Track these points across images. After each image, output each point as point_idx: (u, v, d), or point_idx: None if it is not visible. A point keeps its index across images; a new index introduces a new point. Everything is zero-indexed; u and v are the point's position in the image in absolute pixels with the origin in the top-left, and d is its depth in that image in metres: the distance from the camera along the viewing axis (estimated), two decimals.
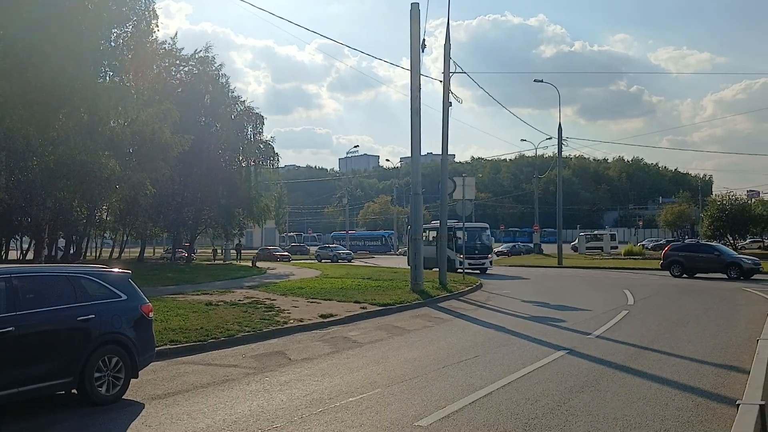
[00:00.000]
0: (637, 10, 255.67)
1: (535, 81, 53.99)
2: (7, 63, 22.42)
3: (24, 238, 43.81)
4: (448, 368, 10.49)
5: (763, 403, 4.68)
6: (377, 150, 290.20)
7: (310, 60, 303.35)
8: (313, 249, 72.36)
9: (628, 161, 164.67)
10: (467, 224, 33.53)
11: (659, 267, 35.09)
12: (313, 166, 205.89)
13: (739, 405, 4.66)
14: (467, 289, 24.92)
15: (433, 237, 36.06)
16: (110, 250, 61.41)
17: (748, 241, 67.01)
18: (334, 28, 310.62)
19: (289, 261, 55.50)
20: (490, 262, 38.51)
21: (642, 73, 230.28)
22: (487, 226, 40.83)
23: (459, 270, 32.28)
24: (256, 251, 62.44)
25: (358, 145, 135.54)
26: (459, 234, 34.05)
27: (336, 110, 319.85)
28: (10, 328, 7.54)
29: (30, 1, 23.82)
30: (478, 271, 36.09)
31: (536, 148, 69.85)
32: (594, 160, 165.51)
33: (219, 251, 60.50)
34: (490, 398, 8.48)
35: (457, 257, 33.91)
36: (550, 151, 75.08)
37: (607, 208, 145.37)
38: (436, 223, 36.19)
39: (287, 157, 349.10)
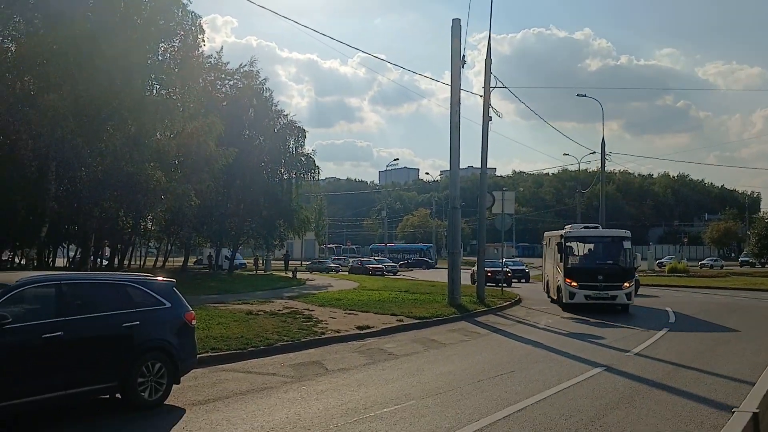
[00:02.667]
0: (685, 24, 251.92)
1: (578, 95, 53.59)
2: (58, 75, 23.22)
3: (71, 246, 44.90)
4: (483, 383, 10.53)
5: (757, 411, 4.77)
6: (417, 163, 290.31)
7: (352, 73, 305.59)
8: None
9: (673, 177, 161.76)
10: (593, 231, 24.80)
11: None
12: (354, 179, 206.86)
13: (734, 412, 4.81)
14: (506, 304, 24.81)
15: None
16: (154, 259, 62.63)
17: None
18: (377, 41, 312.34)
19: (383, 275, 52.49)
20: (628, 295, 22.72)
21: (689, 89, 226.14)
22: (628, 235, 23.91)
23: (570, 302, 22.98)
24: (350, 264, 62.97)
25: (398, 158, 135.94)
26: (579, 247, 24.30)
27: (377, 123, 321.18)
28: (59, 333, 7.85)
29: (80, 15, 24.66)
30: (616, 304, 22.91)
31: (579, 163, 68.61)
32: (639, 175, 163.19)
33: (261, 261, 60.86)
34: (524, 413, 8.51)
35: (567, 285, 23.08)
36: (594, 165, 74.39)
37: (651, 224, 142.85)
38: (565, 230, 25.30)
39: (328, 170, 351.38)
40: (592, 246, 24.54)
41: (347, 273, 56.33)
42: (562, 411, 8.60)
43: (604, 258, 23.92)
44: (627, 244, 23.39)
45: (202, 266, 58.76)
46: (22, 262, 34.97)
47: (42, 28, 23.49)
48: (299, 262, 64.63)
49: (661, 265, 65.77)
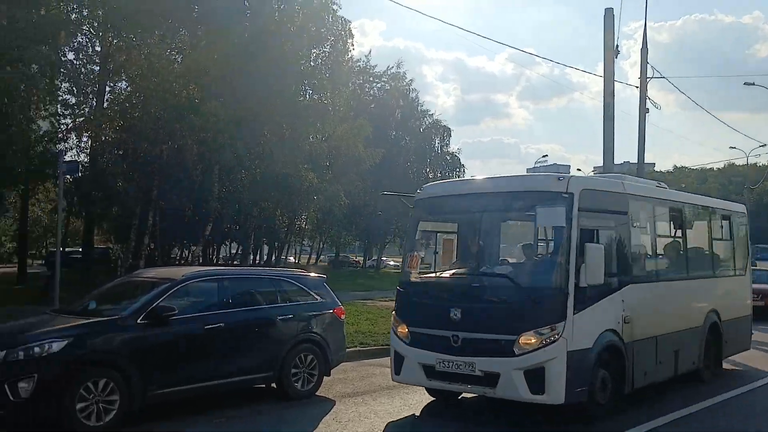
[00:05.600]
0: None
1: (745, 84, 49.69)
2: (219, 84, 24.78)
3: (232, 244, 47.73)
4: None
5: None
6: (568, 159, 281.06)
7: (500, 70, 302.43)
8: None
9: None
10: (467, 184, 10.49)
11: None
12: None
13: None
14: None
15: None
16: (308, 256, 65.26)
17: None
18: (526, 36, 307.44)
19: None
20: (534, 375, 7.26)
21: None
22: (558, 188, 7.71)
23: (396, 377, 8.58)
24: None
25: (547, 155, 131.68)
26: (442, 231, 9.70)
27: (525, 119, 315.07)
28: (221, 324, 8.38)
29: (239, 26, 26.13)
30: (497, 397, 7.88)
31: (747, 157, 63.20)
32: None
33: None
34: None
35: (393, 334, 8.59)
36: (764, 159, 68.71)
37: None
38: None
39: (474, 168, 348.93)
40: (465, 224, 9.43)
41: None
42: None
43: (483, 257, 8.82)
44: (554, 216, 7.80)
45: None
46: (189, 259, 37.62)
47: (204, 39, 25.15)
48: None
49: None
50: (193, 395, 8.18)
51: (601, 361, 7.70)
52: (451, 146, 53.11)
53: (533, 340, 7.26)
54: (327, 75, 31.13)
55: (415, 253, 9.03)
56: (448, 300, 8.02)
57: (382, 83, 50.56)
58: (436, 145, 52.05)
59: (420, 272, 8.98)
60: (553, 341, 7.22)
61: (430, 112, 53.55)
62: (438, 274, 9.00)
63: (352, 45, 32.49)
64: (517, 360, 7.28)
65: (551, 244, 8.04)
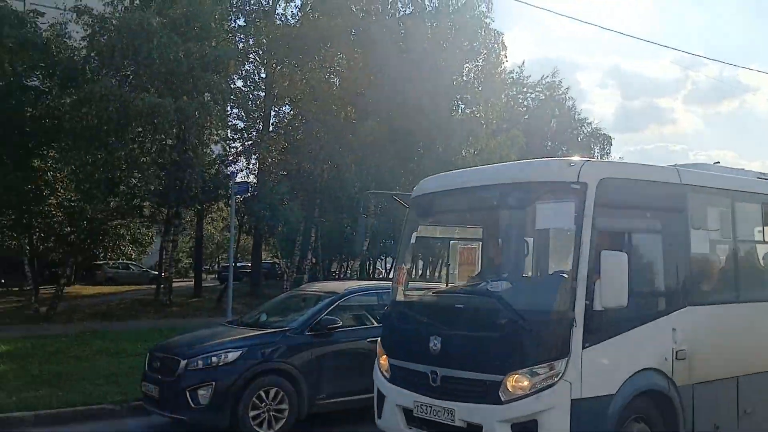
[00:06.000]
0: None
1: None
2: (374, 103, 25.58)
3: (387, 259, 48.65)
4: None
5: None
6: (743, 166, 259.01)
7: (663, 73, 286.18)
8: None
9: None
10: (458, 177, 7.22)
11: None
12: None
13: None
14: None
15: None
16: None
17: None
18: (692, 36, 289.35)
19: None
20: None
21: None
22: (553, 177, 5.92)
23: (377, 421, 6.91)
24: None
25: (718, 161, 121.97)
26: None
27: (693, 124, 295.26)
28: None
29: (393, 46, 26.77)
30: None
31: None
32: None
33: None
34: None
35: (377, 366, 6.93)
36: None
37: None
38: None
39: None
40: (465, 228, 8.14)
41: None
42: None
43: (485, 270, 7.23)
44: (559, 216, 5.85)
45: None
46: (347, 273, 38.89)
47: (361, 61, 26.00)
48: None
49: None
50: (355, 406, 8.37)
51: (633, 411, 5.67)
52: (612, 155, 50.91)
53: (525, 383, 5.39)
54: (479, 89, 31.09)
55: (404, 265, 7.29)
56: (429, 326, 6.22)
57: (536, 93, 49.57)
58: (596, 154, 50.10)
59: (405, 290, 7.10)
60: (550, 385, 5.32)
61: (588, 120, 51.64)
62: (423, 291, 7.43)
63: (505, 57, 32.29)
64: (503, 409, 5.43)
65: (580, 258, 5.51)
